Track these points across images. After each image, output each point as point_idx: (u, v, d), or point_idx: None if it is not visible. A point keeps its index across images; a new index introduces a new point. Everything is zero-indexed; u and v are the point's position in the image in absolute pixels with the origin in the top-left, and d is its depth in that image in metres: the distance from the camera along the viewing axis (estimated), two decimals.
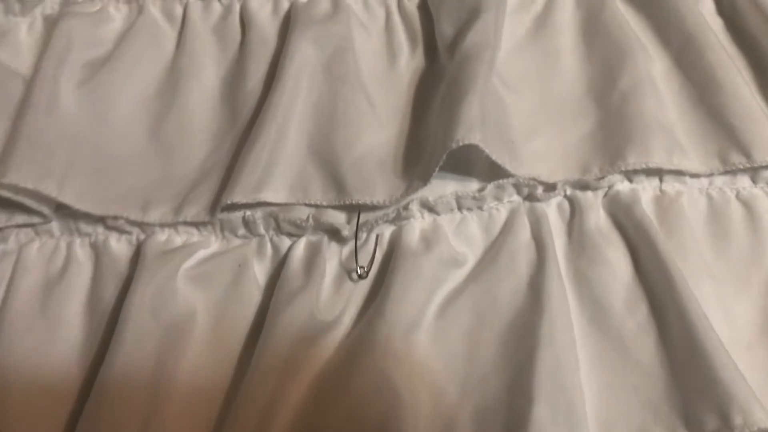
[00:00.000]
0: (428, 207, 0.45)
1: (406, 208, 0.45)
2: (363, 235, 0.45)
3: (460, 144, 0.42)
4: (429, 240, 0.45)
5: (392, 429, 0.39)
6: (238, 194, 0.44)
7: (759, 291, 0.44)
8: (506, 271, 0.44)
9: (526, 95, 0.49)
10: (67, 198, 0.45)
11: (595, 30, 0.51)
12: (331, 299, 0.44)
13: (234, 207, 0.45)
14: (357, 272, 0.43)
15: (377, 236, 0.44)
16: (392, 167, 0.46)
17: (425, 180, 0.43)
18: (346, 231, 0.44)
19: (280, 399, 0.39)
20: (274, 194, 0.45)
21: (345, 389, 0.40)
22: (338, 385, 0.40)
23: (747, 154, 0.45)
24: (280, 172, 0.46)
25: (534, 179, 0.45)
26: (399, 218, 0.45)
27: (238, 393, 0.40)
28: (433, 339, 0.42)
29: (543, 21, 0.52)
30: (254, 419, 0.39)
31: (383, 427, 0.39)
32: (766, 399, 0.39)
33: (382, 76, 0.51)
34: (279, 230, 0.46)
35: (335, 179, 0.46)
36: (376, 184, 0.45)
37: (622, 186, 0.46)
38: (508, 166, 0.44)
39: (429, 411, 0.40)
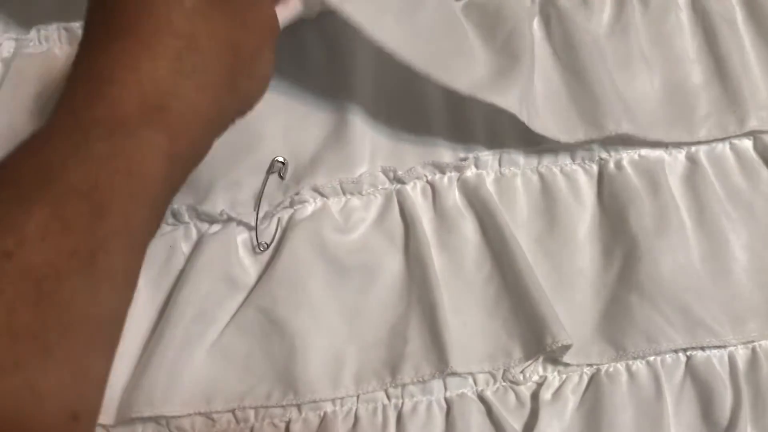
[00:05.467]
0: (319, 192, 0.52)
1: (298, 194, 0.52)
2: (267, 221, 0.52)
3: None
4: (318, 216, 0.51)
5: (290, 362, 0.47)
6: None
7: (580, 245, 0.52)
8: (385, 243, 0.51)
9: None
10: None
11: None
12: (241, 266, 0.51)
13: None
14: (260, 247, 0.51)
15: (278, 219, 0.52)
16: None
17: None
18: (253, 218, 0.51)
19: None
20: None
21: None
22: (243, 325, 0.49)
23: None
24: None
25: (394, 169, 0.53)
26: (294, 203, 0.52)
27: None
28: (329, 289, 0.50)
29: None
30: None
31: (286, 363, 0.47)
32: (578, 324, 0.49)
33: None
34: (199, 218, 0.52)
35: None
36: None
37: (470, 172, 0.53)
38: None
39: (322, 347, 0.48)
